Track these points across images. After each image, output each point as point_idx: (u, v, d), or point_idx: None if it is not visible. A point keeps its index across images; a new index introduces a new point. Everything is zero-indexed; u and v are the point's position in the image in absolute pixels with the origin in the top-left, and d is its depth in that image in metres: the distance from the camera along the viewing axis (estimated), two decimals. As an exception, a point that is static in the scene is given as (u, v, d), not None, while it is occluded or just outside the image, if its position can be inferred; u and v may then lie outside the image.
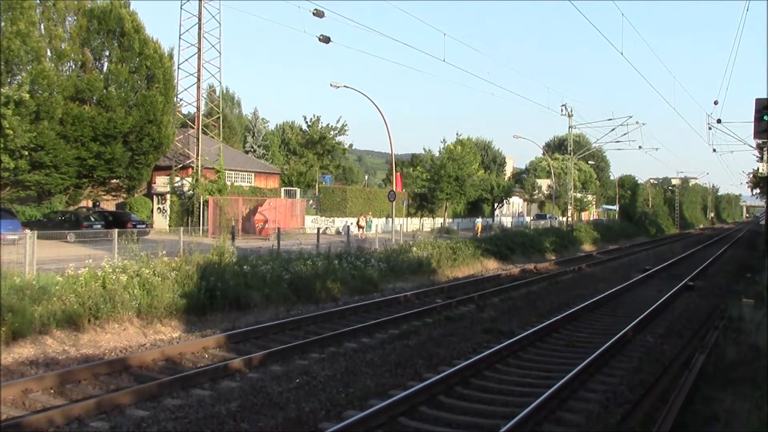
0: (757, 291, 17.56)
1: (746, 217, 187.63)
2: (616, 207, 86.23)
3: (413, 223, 46.81)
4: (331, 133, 52.66)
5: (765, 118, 13.04)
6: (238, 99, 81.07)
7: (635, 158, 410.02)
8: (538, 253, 35.00)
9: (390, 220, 34.22)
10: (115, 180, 36.11)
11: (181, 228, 21.43)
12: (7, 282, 11.51)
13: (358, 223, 36.43)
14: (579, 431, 7.74)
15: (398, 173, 50.45)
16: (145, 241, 19.07)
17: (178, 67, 37.96)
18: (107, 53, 33.96)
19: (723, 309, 16.45)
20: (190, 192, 38.37)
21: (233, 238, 26.16)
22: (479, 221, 44.86)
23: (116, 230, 16.16)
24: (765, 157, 32.14)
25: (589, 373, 10.03)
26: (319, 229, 30.02)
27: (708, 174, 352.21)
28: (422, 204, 51.53)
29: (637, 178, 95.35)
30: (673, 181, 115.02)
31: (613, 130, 46.99)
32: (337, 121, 53.31)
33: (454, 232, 37.12)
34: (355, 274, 19.37)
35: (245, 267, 15.95)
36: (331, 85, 29.18)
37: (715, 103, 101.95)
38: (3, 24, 27.58)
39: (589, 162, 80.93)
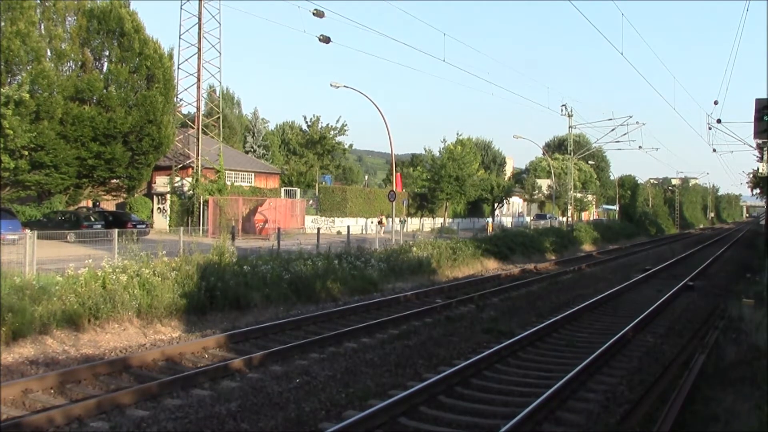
0: (757, 291, 17.57)
1: (746, 217, 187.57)
2: (616, 207, 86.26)
3: (413, 223, 46.85)
4: (331, 133, 52.70)
5: (765, 118, 13.05)
6: (238, 99, 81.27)
7: (635, 158, 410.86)
8: (538, 253, 34.99)
9: (391, 220, 34.51)
10: (115, 180, 36.14)
11: (181, 228, 21.44)
12: (7, 282, 11.51)
13: (380, 222, 37.42)
14: (579, 431, 7.74)
15: (398, 173, 50.50)
16: (145, 241, 19.07)
17: (178, 67, 38.09)
18: (107, 53, 34.00)
19: (723, 309, 16.45)
20: (190, 192, 38.40)
21: (233, 238, 26.16)
22: (489, 221, 50.63)
23: (116, 230, 16.14)
24: (765, 157, 32.10)
25: (589, 373, 10.03)
26: (318, 229, 30.03)
27: (708, 174, 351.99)
28: (422, 204, 51.58)
29: (637, 178, 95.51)
30: (673, 181, 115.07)
31: (613, 130, 47.05)
32: (337, 121, 53.46)
33: (454, 232, 37.31)
34: (355, 274, 19.35)
35: (245, 267, 15.94)
36: (331, 85, 29.24)
37: (715, 103, 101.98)
38: (3, 24, 27.62)
39: (589, 162, 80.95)
